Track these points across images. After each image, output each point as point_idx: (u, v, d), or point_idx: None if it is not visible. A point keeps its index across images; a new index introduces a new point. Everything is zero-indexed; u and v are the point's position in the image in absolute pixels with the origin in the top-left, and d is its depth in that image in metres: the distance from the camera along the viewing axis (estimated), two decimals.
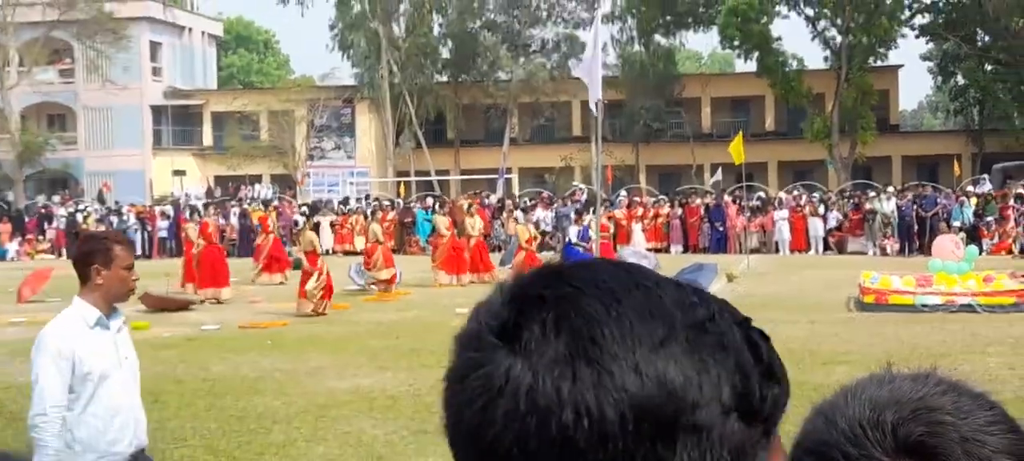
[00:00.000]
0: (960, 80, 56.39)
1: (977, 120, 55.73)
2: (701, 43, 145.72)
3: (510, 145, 56.23)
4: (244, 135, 59.01)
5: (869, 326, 16.83)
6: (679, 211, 39.46)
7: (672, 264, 26.83)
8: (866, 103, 50.09)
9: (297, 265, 24.97)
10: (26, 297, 23.65)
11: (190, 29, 64.29)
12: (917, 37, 55.51)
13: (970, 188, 40.21)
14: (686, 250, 37.61)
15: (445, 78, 58.95)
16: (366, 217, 38.08)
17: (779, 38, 51.84)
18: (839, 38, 50.53)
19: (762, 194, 43.61)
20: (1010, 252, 32.38)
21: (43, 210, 47.99)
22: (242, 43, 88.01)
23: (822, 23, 51.47)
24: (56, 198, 52.48)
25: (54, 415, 4.79)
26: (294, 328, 18.19)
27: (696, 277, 20.41)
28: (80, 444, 4.86)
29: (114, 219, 44.09)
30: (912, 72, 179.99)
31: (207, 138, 61.69)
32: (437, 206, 37.79)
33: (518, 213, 38.08)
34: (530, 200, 44.22)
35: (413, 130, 56.27)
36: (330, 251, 36.81)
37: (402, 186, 52.81)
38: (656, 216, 39.53)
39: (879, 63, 52.40)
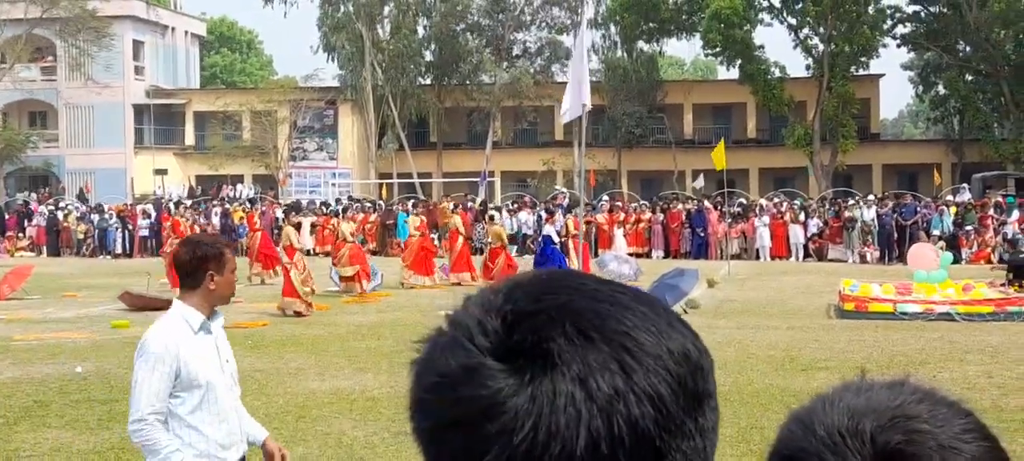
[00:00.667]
0: (941, 90, 56.71)
1: (957, 130, 56.02)
2: (684, 50, 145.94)
3: (492, 148, 56.24)
4: (226, 135, 58.89)
5: (849, 333, 16.87)
6: (661, 216, 39.52)
7: (653, 269, 26.87)
8: (847, 111, 50.37)
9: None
10: (5, 295, 23.55)
11: (173, 28, 64.10)
12: (899, 46, 55.92)
13: (950, 197, 40.41)
14: (667, 255, 37.66)
15: (428, 81, 58.94)
16: (335, 216, 38.12)
17: (761, 46, 52.11)
18: (821, 46, 50.76)
19: (743, 200, 43.72)
20: (989, 261, 32.53)
21: (23, 208, 47.76)
22: (225, 43, 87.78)
23: (805, 31, 51.68)
24: (35, 195, 52.26)
25: (153, 420, 4.63)
26: (275, 329, 18.14)
27: (677, 282, 20.46)
28: (193, 449, 4.70)
29: (95, 217, 43.92)
30: (893, 81, 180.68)
31: (189, 137, 61.50)
32: (410, 207, 37.85)
33: (493, 212, 38.22)
34: (513, 203, 44.24)
35: (396, 132, 56.22)
36: (312, 252, 36.74)
37: (384, 188, 52.73)
38: (638, 221, 39.58)
39: (861, 72, 52.64)
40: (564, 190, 46.46)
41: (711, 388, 0.95)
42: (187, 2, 67.74)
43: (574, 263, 25.75)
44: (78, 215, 44.77)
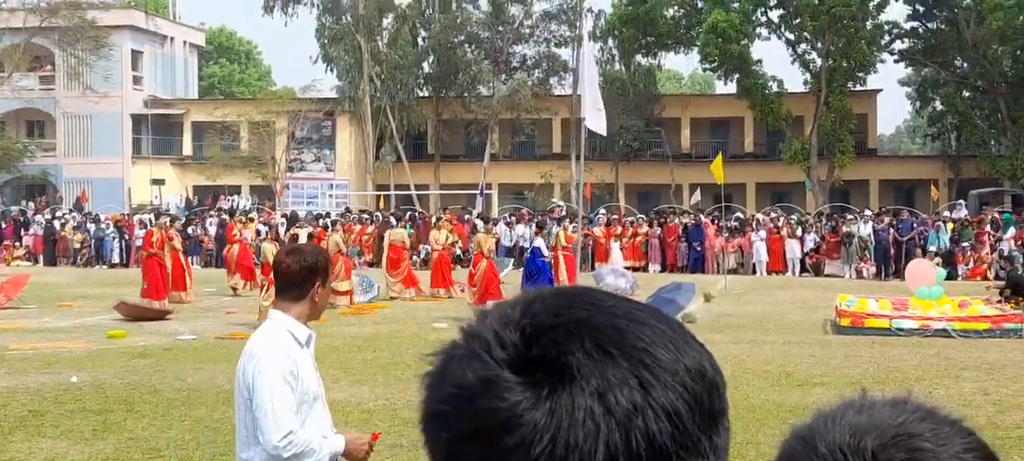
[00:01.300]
0: (938, 106, 56.76)
1: (954, 146, 56.07)
2: (681, 64, 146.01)
3: (490, 161, 56.25)
4: (224, 145, 58.83)
5: (845, 349, 16.87)
6: (658, 230, 39.53)
7: (650, 283, 26.87)
8: (845, 126, 50.41)
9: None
10: (1, 304, 23.50)
11: (172, 38, 64.11)
12: (896, 62, 55.99)
13: (946, 213, 40.44)
14: (664, 269, 37.65)
15: (427, 93, 58.97)
16: (326, 229, 38.06)
17: (759, 60, 52.11)
18: (819, 61, 50.82)
19: (740, 215, 43.74)
20: (985, 278, 32.53)
21: (20, 217, 47.68)
22: (224, 53, 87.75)
23: (802, 46, 51.77)
24: (32, 205, 52.20)
25: (297, 429, 4.45)
26: None
27: (674, 296, 20.46)
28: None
29: (91, 226, 43.88)
30: (891, 97, 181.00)
31: (187, 148, 61.48)
32: (394, 220, 37.98)
33: (478, 222, 38.36)
34: (510, 216, 44.23)
35: (394, 144, 56.23)
36: None
37: (381, 199, 52.69)
38: (635, 235, 39.57)
39: (858, 87, 52.73)
40: (561, 203, 46.46)
41: (725, 407, 0.96)
42: (186, 12, 67.68)
43: (561, 276, 25.70)
44: (74, 225, 44.71)
